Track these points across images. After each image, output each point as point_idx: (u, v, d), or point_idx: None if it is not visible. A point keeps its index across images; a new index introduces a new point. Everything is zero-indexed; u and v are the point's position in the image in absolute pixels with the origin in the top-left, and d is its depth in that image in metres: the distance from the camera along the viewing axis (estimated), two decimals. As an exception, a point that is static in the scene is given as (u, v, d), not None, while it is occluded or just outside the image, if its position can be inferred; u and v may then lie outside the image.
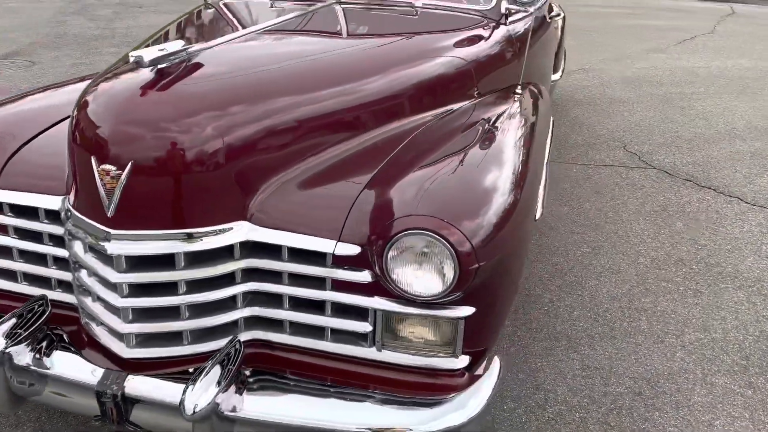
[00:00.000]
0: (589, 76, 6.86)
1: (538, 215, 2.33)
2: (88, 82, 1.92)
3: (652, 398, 2.17)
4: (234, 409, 1.51)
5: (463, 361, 1.58)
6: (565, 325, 2.54)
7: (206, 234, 1.50)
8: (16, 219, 1.73)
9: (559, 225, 3.39)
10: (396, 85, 2.01)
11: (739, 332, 2.53)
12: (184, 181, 1.47)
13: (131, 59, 1.45)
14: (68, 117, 1.73)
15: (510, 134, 2.04)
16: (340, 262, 1.51)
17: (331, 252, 1.49)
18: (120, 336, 1.58)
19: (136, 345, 1.59)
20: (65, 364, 1.61)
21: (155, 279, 1.52)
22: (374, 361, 1.61)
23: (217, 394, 1.45)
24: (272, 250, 1.55)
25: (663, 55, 8.03)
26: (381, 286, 1.50)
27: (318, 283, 1.56)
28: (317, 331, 1.62)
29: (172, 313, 1.57)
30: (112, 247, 1.47)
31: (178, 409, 1.44)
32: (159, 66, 1.53)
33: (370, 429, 1.50)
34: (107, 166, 1.42)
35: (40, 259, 1.76)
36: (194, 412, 1.41)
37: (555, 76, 4.27)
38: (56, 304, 1.75)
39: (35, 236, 1.73)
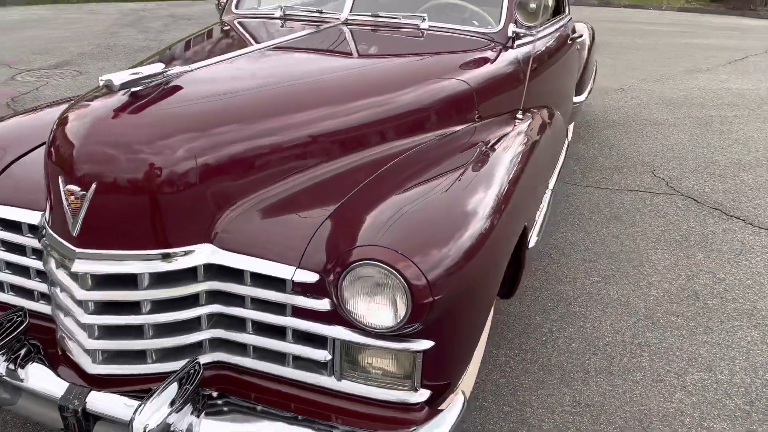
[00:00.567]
0: (626, 96, 6.70)
1: (532, 243, 2.27)
2: None
3: (643, 440, 2.08)
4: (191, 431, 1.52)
5: (422, 395, 1.55)
6: (562, 358, 2.46)
7: (168, 256, 1.52)
8: (3, 231, 1.79)
9: (572, 251, 3.30)
10: (380, 109, 2.00)
11: (747, 375, 2.40)
12: (146, 203, 1.49)
13: (100, 83, 1.49)
14: None
15: (497, 161, 1.99)
16: (300, 288, 1.51)
17: (290, 278, 1.49)
18: (87, 351, 1.60)
19: (102, 361, 1.61)
20: (36, 376, 1.65)
21: (118, 298, 1.54)
22: (335, 391, 1.60)
23: (170, 414, 1.46)
24: (235, 274, 1.56)
25: (709, 76, 7.78)
26: (339, 315, 1.48)
27: (279, 308, 1.55)
28: (279, 357, 1.61)
29: (136, 331, 1.59)
30: (76, 266, 1.50)
31: (137, 427, 1.46)
32: (134, 89, 1.57)
33: (322, 461, 1.48)
34: (72, 187, 1.46)
35: (23, 271, 1.81)
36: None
37: (579, 98, 4.17)
38: (39, 315, 1.80)
39: (20, 249, 1.79)
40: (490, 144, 2.14)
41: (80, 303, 1.56)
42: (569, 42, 3.64)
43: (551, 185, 2.70)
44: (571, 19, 3.82)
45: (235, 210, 1.60)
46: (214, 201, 1.57)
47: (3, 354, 1.66)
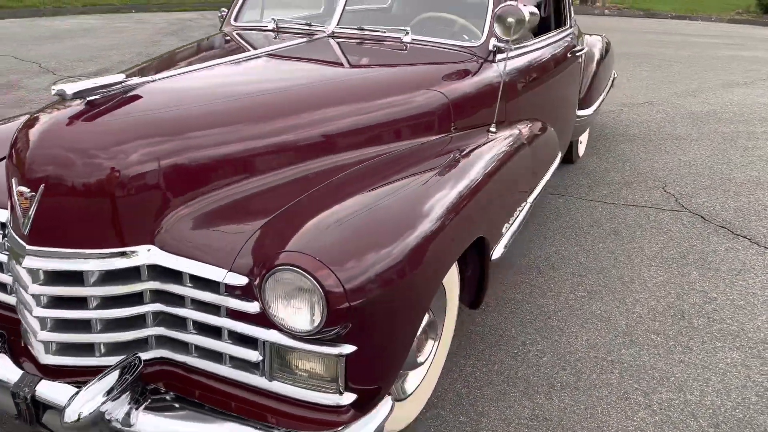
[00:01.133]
0: (653, 110, 6.58)
1: (497, 255, 2.29)
2: None
3: (597, 457, 2.07)
4: (128, 423, 1.60)
5: (348, 398, 1.59)
6: (529, 371, 2.46)
7: (112, 255, 1.62)
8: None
9: (562, 265, 3.28)
10: (340, 118, 2.06)
11: (718, 396, 2.35)
12: (91, 205, 1.59)
13: (53, 92, 1.60)
14: None
15: (454, 173, 2.03)
16: (233, 291, 1.58)
17: (222, 281, 1.56)
18: (40, 342, 1.71)
19: (55, 353, 1.72)
20: (-3, 364, 1.77)
21: (66, 293, 1.64)
22: (269, 392, 1.66)
23: (104, 402, 1.54)
24: (176, 275, 1.64)
25: (745, 90, 7.56)
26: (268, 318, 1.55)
27: (215, 309, 1.63)
28: (217, 357, 1.69)
29: (85, 325, 1.69)
30: (27, 262, 1.61)
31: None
32: (90, 98, 1.68)
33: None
34: (22, 188, 1.58)
35: (-1, 266, 1.95)
36: (78, 419, 1.51)
37: (586, 112, 4.14)
38: (9, 307, 1.93)
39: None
40: (453, 156, 2.18)
41: (33, 297, 1.67)
42: (570, 56, 3.63)
43: (531, 198, 2.70)
44: (573, 32, 3.81)
45: (179, 214, 1.68)
46: (157, 205, 1.66)
47: (-32, 343, 1.79)
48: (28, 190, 1.57)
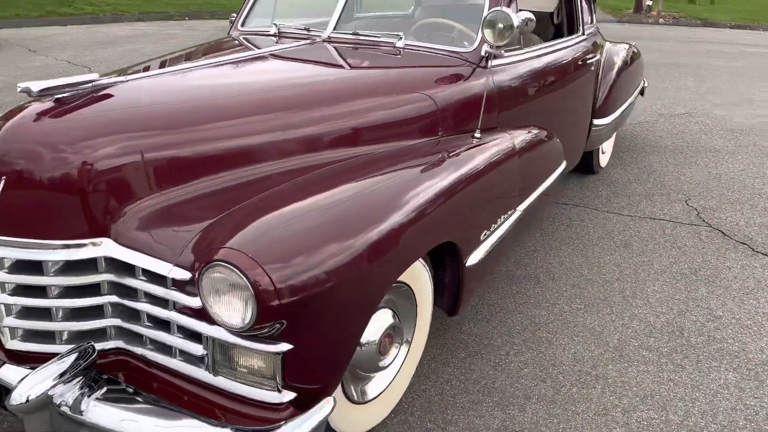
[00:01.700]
0: (691, 121, 6.35)
1: (472, 262, 2.25)
2: None
3: (562, 473, 2.01)
4: (78, 410, 1.65)
5: (287, 396, 1.61)
6: (508, 381, 2.41)
7: (68, 246, 1.68)
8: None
9: (563, 276, 3.21)
10: (309, 119, 2.09)
11: (703, 418, 2.24)
12: (50, 198, 1.67)
13: (18, 89, 1.68)
14: None
15: (420, 177, 2.02)
16: (181, 285, 1.62)
17: (168, 275, 1.61)
18: (5, 328, 1.79)
19: (20, 338, 1.79)
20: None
21: (27, 282, 1.72)
22: (215, 387, 1.68)
23: (53, 386, 1.60)
24: (131, 268, 1.70)
25: (795, 103, 7.21)
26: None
27: (164, 303, 1.67)
28: (169, 350, 1.73)
29: (47, 313, 1.76)
30: (-9, 250, 1.69)
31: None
32: (59, 96, 1.76)
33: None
34: (-15, 180, 1.66)
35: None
36: (26, 401, 1.57)
37: (603, 121, 4.03)
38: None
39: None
40: (427, 160, 2.16)
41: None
42: (581, 63, 3.55)
43: (522, 206, 2.65)
44: (586, 39, 3.72)
45: (136, 209, 1.73)
46: (114, 199, 1.71)
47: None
48: (-9, 182, 1.65)
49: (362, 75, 2.53)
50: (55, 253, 1.68)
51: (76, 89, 1.79)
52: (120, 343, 1.79)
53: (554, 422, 2.21)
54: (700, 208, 4.14)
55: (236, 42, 2.98)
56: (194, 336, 1.67)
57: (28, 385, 1.58)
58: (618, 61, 4.24)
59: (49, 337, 1.79)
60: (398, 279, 2.06)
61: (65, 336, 1.79)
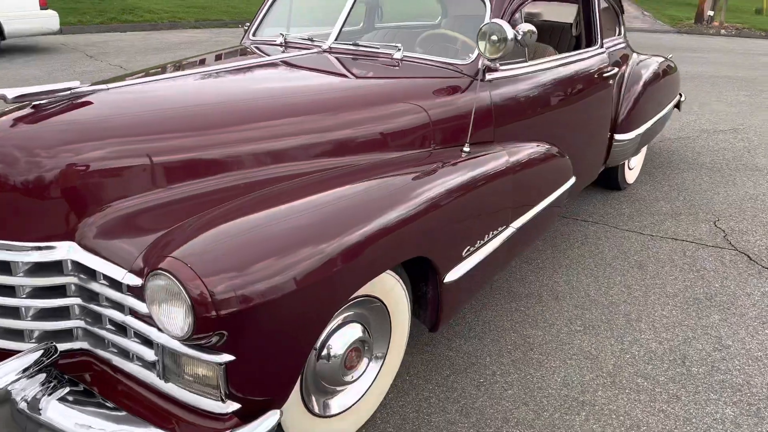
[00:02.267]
0: (736, 137, 6.07)
1: (451, 278, 2.21)
2: None
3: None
4: (36, 408, 1.70)
5: (231, 406, 1.61)
6: (488, 402, 2.35)
7: (34, 249, 1.74)
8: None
9: (567, 296, 3.11)
10: (283, 130, 2.09)
11: (690, 453, 2.13)
12: (20, 201, 1.73)
13: (-6, 96, 1.76)
14: None
15: (392, 190, 1.99)
16: (134, 291, 1.65)
17: (121, 280, 1.64)
18: (-21, 325, 1.87)
19: (-7, 335, 1.87)
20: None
21: (-1, 281, 1.78)
22: (166, 394, 1.70)
23: (13, 382, 1.65)
24: (94, 272, 1.74)
25: None
26: (159, 318, 1.60)
27: (121, 307, 1.71)
28: (128, 354, 1.76)
29: (17, 312, 1.82)
30: (-39, 249, 1.77)
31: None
32: (36, 102, 1.83)
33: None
34: (-43, 183, 1.73)
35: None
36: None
37: (626, 136, 3.89)
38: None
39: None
40: (405, 173, 2.13)
41: (-29, 282, 1.82)
42: (596, 76, 3.44)
43: (517, 223, 2.59)
44: (603, 52, 3.60)
45: (102, 214, 1.77)
46: (81, 205, 1.76)
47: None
48: (-36, 184, 1.73)
49: (352, 85, 2.53)
50: (21, 254, 1.74)
51: (53, 96, 1.86)
52: (85, 345, 1.84)
53: (529, 448, 2.14)
54: (729, 230, 3.94)
55: (237, 51, 3.03)
56: (148, 342, 1.70)
57: (-16, 381, 1.64)
58: (646, 74, 4.09)
59: (18, 335, 1.85)
60: (370, 294, 2.05)
61: (35, 335, 1.84)
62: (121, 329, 1.76)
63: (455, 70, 2.65)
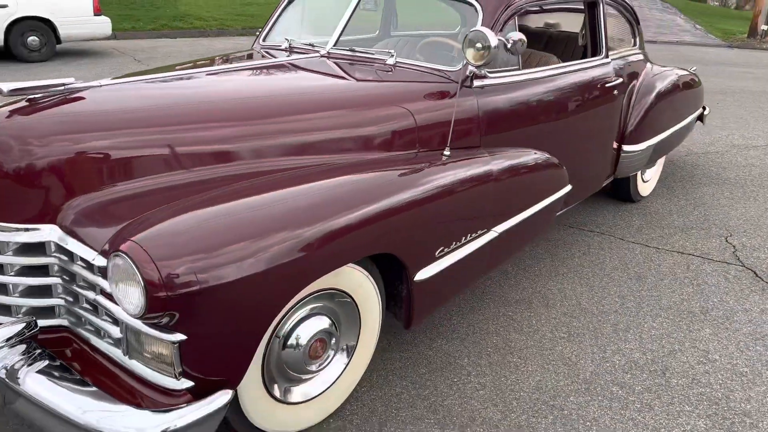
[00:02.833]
0: (766, 153, 5.90)
1: (422, 277, 2.27)
2: None
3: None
4: (14, 378, 1.84)
5: (185, 383, 1.72)
6: (458, 401, 2.39)
7: (18, 230, 1.89)
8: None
9: (558, 304, 3.12)
10: (269, 127, 2.21)
11: (652, 462, 2.12)
12: (9, 186, 1.88)
13: (-8, 90, 1.92)
14: None
15: (361, 187, 2.07)
16: (103, 272, 1.77)
17: (92, 261, 1.77)
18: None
19: (-18, 310, 2.03)
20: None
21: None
22: (134, 372, 1.82)
23: (-1, 347, 1.80)
24: (71, 253, 1.88)
25: None
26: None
27: (93, 287, 1.84)
28: (99, 332, 1.90)
29: (5, 289, 1.98)
30: (-46, 229, 1.93)
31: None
32: (31, 96, 2.00)
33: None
34: (-43, 166, 1.90)
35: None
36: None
37: (634, 147, 3.86)
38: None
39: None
40: (379, 171, 2.21)
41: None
42: (598, 86, 3.44)
43: (500, 228, 2.63)
44: (608, 62, 3.60)
45: (84, 200, 1.91)
46: (65, 190, 1.90)
47: None
48: (-38, 168, 1.90)
49: (341, 87, 2.62)
50: (11, 235, 1.89)
51: (47, 91, 2.02)
52: (65, 322, 1.98)
53: (489, 447, 2.18)
54: (740, 245, 3.86)
55: (245, 55, 3.17)
56: (116, 321, 1.82)
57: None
58: (660, 86, 4.05)
59: (6, 310, 2.01)
60: (338, 288, 2.13)
61: (23, 310, 2.00)
62: (95, 308, 1.89)
63: (443, 76, 2.72)
